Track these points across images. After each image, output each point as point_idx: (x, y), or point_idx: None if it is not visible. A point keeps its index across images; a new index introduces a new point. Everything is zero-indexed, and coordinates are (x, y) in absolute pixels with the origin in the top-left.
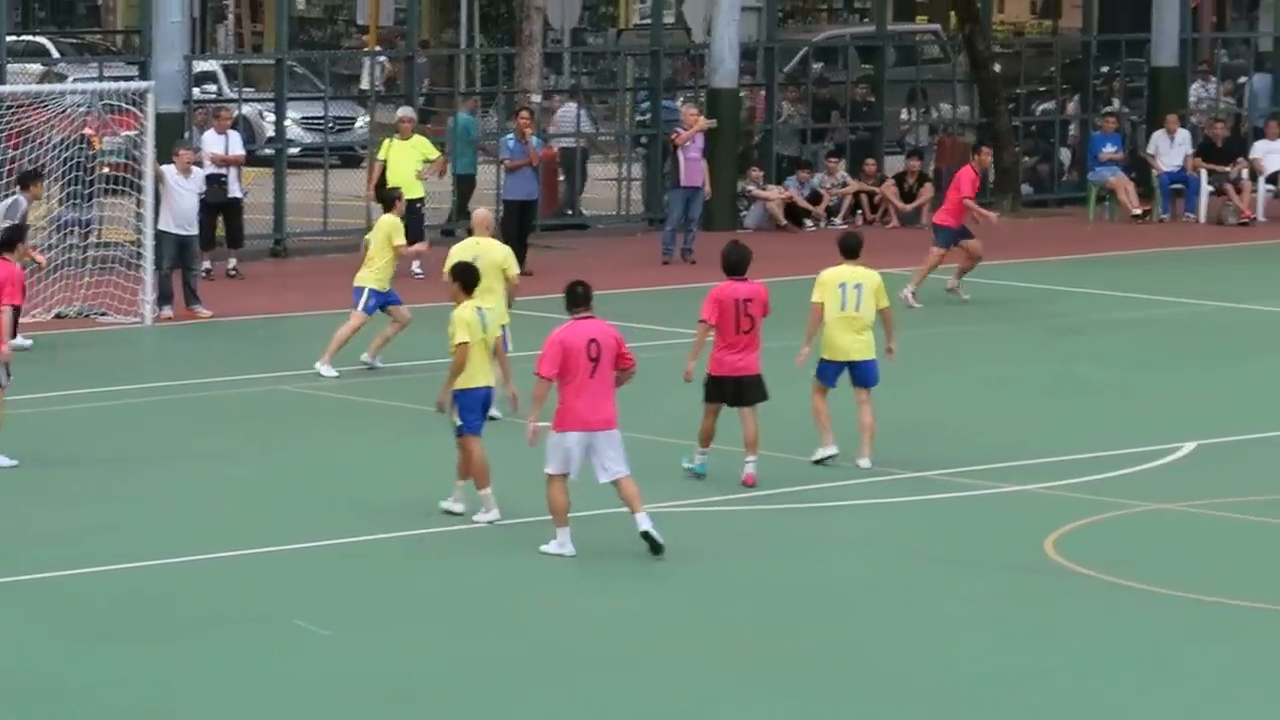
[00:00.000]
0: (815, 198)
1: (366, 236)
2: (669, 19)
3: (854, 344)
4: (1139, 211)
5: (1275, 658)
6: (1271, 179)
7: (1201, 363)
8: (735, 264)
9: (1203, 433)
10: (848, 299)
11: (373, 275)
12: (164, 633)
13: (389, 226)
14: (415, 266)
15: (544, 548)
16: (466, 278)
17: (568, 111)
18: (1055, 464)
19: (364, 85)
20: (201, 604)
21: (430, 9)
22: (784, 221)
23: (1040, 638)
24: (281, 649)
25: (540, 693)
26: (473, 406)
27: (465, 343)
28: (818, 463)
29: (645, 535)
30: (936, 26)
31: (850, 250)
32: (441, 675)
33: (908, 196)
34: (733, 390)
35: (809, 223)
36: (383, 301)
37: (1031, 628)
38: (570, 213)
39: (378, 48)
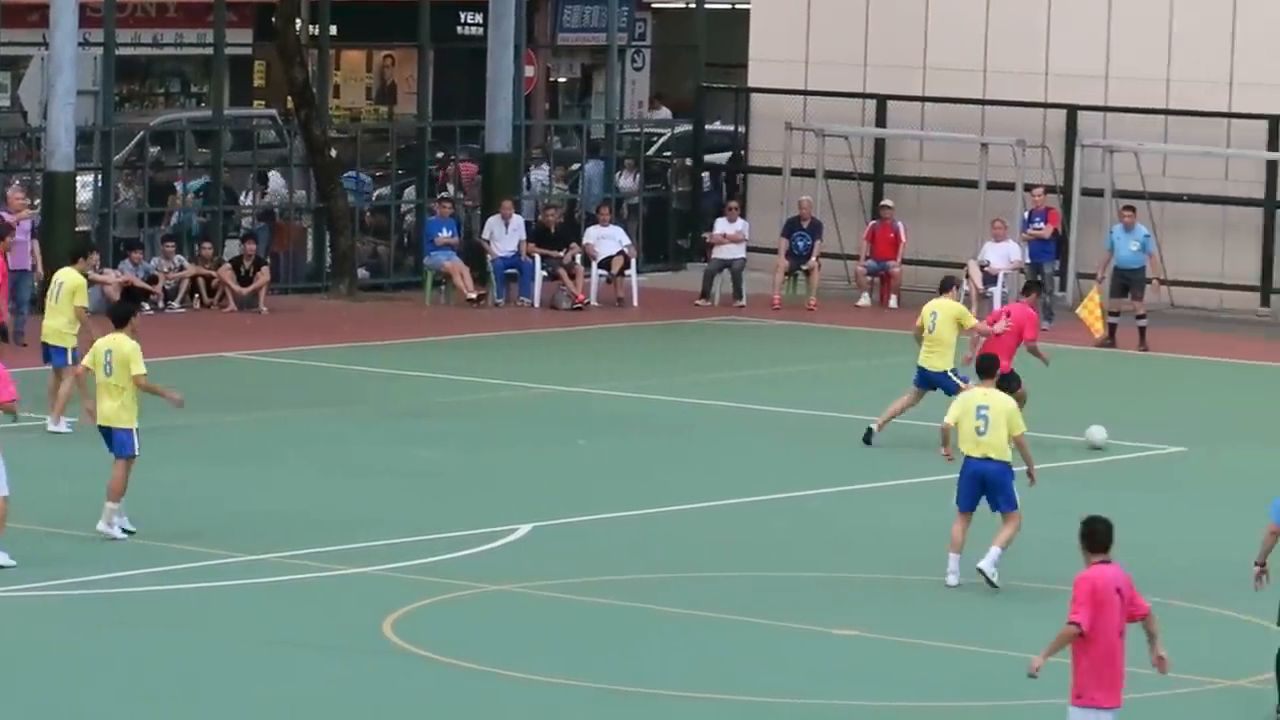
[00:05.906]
0: (152, 280)
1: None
2: (3, 102)
3: None
4: (474, 296)
5: None
6: (604, 264)
7: (536, 445)
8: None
9: (539, 514)
10: None
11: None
12: None
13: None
14: None
15: None
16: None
17: None
18: (394, 546)
19: None
20: None
21: None
22: None
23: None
24: None
25: None
26: None
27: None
28: None
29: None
30: (273, 111)
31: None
32: None
33: (244, 280)
34: None
35: (147, 306)
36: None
37: (372, 710)
38: None
39: None
